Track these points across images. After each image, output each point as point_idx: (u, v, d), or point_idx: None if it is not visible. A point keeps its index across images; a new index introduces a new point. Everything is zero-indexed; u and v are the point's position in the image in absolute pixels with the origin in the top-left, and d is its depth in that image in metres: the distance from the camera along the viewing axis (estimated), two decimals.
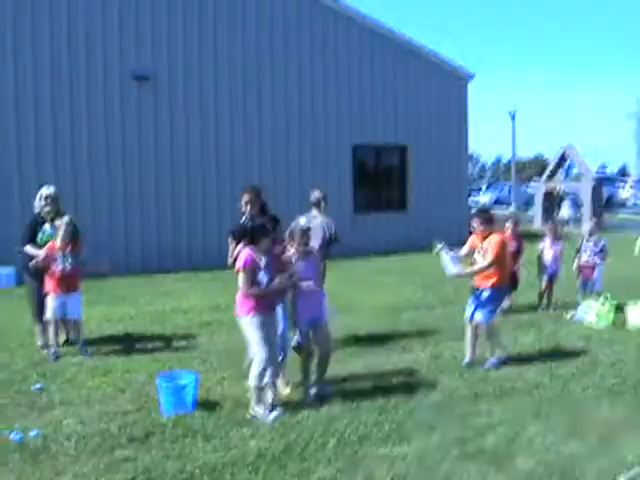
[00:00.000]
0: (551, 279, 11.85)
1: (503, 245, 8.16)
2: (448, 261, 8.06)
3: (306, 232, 7.10)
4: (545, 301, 11.77)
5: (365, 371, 8.18)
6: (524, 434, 6.14)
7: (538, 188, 30.83)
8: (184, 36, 17.91)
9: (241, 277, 6.60)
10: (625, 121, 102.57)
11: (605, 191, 35.67)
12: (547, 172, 30.46)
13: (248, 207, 7.74)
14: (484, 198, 51.33)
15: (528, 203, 42.11)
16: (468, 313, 8.35)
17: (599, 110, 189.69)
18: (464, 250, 8.39)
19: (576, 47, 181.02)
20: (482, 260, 8.10)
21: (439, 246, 8.11)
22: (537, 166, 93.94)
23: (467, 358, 8.31)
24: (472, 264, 8.26)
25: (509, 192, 48.52)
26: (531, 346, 9.18)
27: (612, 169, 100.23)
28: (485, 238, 8.15)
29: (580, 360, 8.39)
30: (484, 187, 60.07)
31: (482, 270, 8.09)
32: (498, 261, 8.04)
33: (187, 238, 17.96)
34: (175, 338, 9.95)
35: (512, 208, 43.14)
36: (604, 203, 37.18)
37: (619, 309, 10.57)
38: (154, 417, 6.69)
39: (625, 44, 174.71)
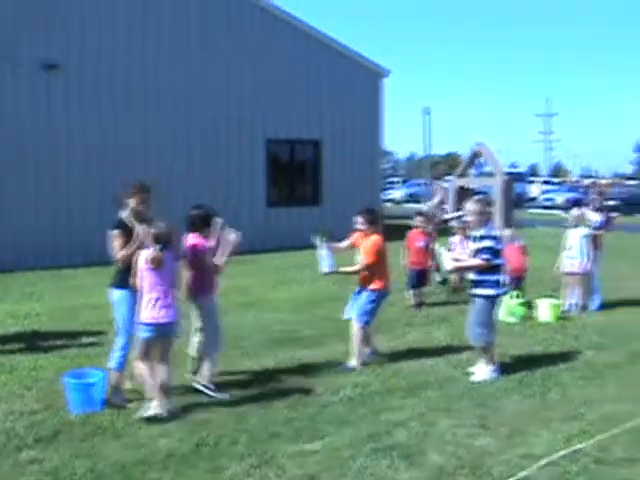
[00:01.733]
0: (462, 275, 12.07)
1: (381, 247, 8.16)
2: (323, 258, 8.07)
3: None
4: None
5: (277, 367, 8.18)
6: (435, 428, 6.22)
7: (451, 185, 31.35)
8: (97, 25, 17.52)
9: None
10: (534, 121, 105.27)
11: (515, 188, 36.54)
12: (459, 169, 30.99)
13: (136, 204, 6.91)
14: (398, 194, 51.98)
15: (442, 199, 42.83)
16: (347, 311, 8.43)
17: (510, 110, 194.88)
18: (344, 243, 8.44)
19: (491, 48, 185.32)
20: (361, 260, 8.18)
21: (318, 242, 8.13)
22: (451, 163, 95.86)
23: (368, 351, 8.41)
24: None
25: (423, 188, 49.23)
26: (443, 340, 9.33)
27: (523, 168, 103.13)
28: (367, 237, 8.20)
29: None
30: (398, 183, 60.82)
31: (356, 272, 8.20)
32: (376, 263, 8.10)
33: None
34: (84, 335, 9.69)
35: (427, 204, 43.91)
36: (516, 200, 38.15)
37: (528, 304, 10.85)
38: (62, 415, 6.51)
39: (534, 45, 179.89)
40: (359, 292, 8.25)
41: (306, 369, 8.05)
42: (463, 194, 29.87)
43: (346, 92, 22.28)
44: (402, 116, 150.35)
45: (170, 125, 18.75)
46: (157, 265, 6.46)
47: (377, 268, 8.13)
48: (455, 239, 12.27)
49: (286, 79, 20.92)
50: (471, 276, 7.71)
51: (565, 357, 8.51)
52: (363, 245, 8.16)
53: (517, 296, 10.79)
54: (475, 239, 7.59)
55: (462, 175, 31.52)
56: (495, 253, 7.50)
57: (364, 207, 8.43)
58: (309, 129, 21.53)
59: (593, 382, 7.56)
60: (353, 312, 8.28)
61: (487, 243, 7.46)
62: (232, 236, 7.12)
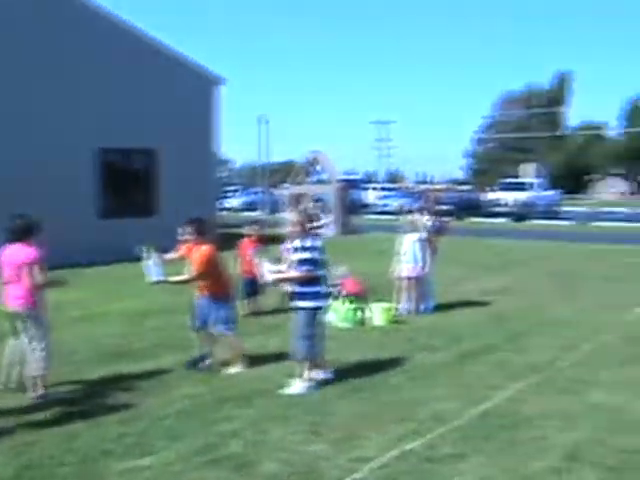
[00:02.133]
0: None
1: (211, 257, 8.13)
2: (150, 268, 7.98)
3: None
4: None
5: (108, 382, 7.91)
6: (269, 436, 6.19)
7: (287, 192, 31.66)
8: None
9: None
10: (368, 128, 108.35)
11: (351, 195, 37.38)
12: (296, 176, 31.37)
13: None
14: (236, 202, 51.89)
15: (278, 207, 43.18)
16: (191, 321, 8.40)
17: (350, 117, 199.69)
18: (173, 255, 8.41)
19: (328, 57, 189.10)
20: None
21: (144, 253, 8.03)
22: (288, 171, 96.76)
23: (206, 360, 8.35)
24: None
25: (261, 196, 49.43)
26: (277, 348, 9.32)
27: (360, 174, 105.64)
28: (195, 248, 8.14)
29: (328, 357, 8.58)
30: (237, 191, 60.72)
31: (185, 282, 8.19)
32: (208, 273, 8.06)
33: None
34: None
35: (262, 212, 44.07)
36: (351, 206, 39.00)
37: (360, 310, 11.05)
38: None
39: (372, 55, 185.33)
40: (203, 301, 8.19)
41: (137, 383, 7.82)
42: (299, 201, 30.34)
43: (181, 100, 21.94)
44: (242, 125, 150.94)
45: None
46: None
47: (213, 277, 8.09)
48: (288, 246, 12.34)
49: (119, 87, 20.35)
50: (291, 288, 7.65)
51: (398, 359, 8.71)
52: (193, 255, 8.09)
53: (350, 301, 10.97)
54: (296, 250, 7.53)
55: (298, 183, 31.90)
56: (316, 264, 7.47)
57: (191, 217, 8.35)
58: (144, 138, 21.01)
59: (424, 383, 7.78)
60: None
61: (307, 254, 7.44)
62: None
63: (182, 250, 8.34)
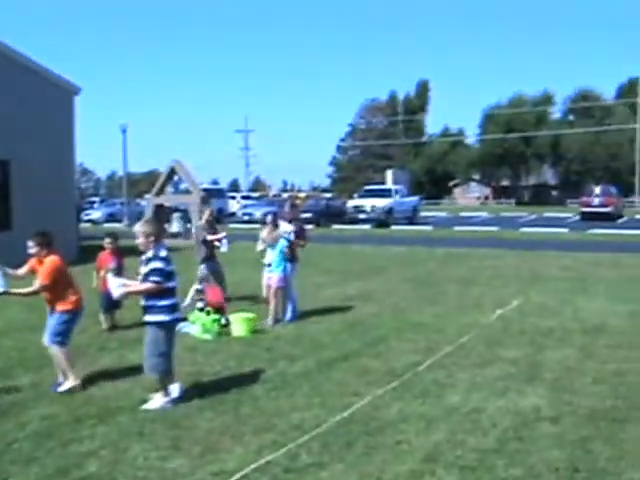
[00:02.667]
0: None
1: (57, 268, 7.96)
2: None
3: None
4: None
5: None
6: (127, 454, 6.06)
7: (148, 203, 31.10)
8: None
9: None
10: (234, 137, 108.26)
11: (215, 204, 37.19)
12: (156, 186, 30.86)
13: None
14: (97, 214, 50.54)
15: (140, 218, 42.41)
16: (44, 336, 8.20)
17: (212, 126, 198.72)
18: (22, 270, 8.24)
19: (189, 66, 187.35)
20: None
21: None
22: (151, 181, 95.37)
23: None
24: None
25: (122, 207, 48.33)
26: (136, 362, 9.10)
27: (224, 184, 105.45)
28: (42, 261, 7.98)
29: (185, 372, 8.51)
30: (98, 203, 59.19)
31: (30, 294, 8.08)
32: (55, 285, 7.91)
33: None
34: None
35: (125, 223, 43.13)
36: (215, 216, 38.62)
37: (220, 320, 10.99)
38: None
39: (234, 66, 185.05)
40: (51, 315, 8.04)
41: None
42: (161, 212, 29.90)
43: (36, 110, 21.20)
44: (103, 134, 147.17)
45: None
46: None
47: (59, 289, 7.95)
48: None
49: None
50: (141, 302, 7.48)
51: (258, 370, 8.72)
52: (40, 268, 7.95)
53: (208, 313, 10.92)
54: (148, 261, 7.37)
55: (159, 193, 31.40)
56: (166, 275, 7.35)
57: (36, 231, 8.20)
58: None
59: (285, 392, 7.82)
60: (46, 336, 8.07)
61: (157, 264, 7.29)
62: None
63: (29, 264, 8.18)
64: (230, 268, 15.20)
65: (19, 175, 20.66)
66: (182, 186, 32.29)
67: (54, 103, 21.83)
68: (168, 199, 31.78)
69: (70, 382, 8.00)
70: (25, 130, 20.86)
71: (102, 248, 11.79)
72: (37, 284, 7.92)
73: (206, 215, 14.03)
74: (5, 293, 7.85)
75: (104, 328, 11.27)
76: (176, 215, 30.79)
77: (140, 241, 7.42)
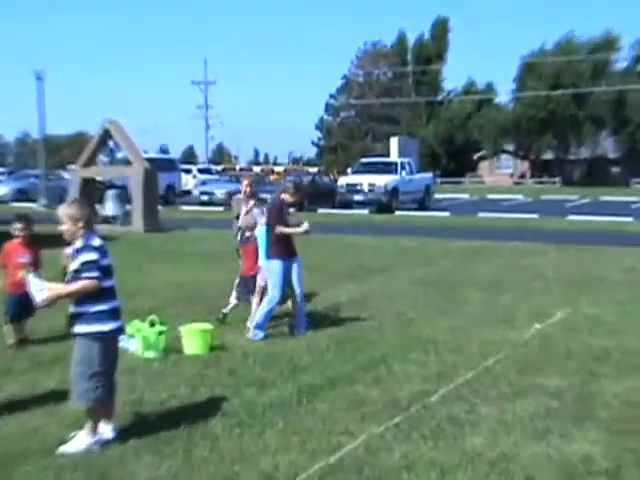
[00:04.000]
0: None
1: None
2: None
3: None
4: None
5: None
6: None
7: (73, 176, 31.01)
8: None
9: None
10: (191, 92, 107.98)
11: (164, 179, 37.17)
12: (85, 155, 30.75)
13: None
14: (2, 190, 50.30)
15: (62, 197, 42.12)
16: None
17: (160, 76, 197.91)
18: None
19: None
20: None
21: None
22: (77, 147, 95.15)
23: None
24: None
25: (37, 181, 48.10)
26: (55, 389, 9.04)
27: (176, 152, 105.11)
28: None
29: (120, 400, 8.44)
30: (3, 175, 58.99)
31: None
32: None
33: None
34: None
35: (40, 203, 42.95)
36: (163, 194, 38.76)
37: (167, 333, 10.96)
38: None
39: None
40: None
41: None
42: (90, 189, 29.81)
43: None
44: (11, 82, 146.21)
45: None
46: None
47: None
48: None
49: None
50: (70, 308, 7.38)
51: (218, 399, 8.70)
52: None
53: (152, 323, 10.88)
54: (77, 253, 7.28)
55: (89, 163, 31.32)
56: (103, 271, 7.29)
57: None
58: None
59: (252, 430, 7.78)
60: None
61: (89, 256, 7.21)
62: None
63: None
64: (180, 263, 15.15)
65: None
66: (119, 155, 32.28)
67: None
68: (100, 171, 31.84)
69: None
70: None
71: (9, 236, 11.68)
72: None
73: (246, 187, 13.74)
74: None
75: (10, 343, 11.19)
76: (111, 193, 30.72)
77: (65, 227, 7.35)
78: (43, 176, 46.18)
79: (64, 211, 7.37)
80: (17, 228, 11.40)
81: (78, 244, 7.31)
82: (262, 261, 12.21)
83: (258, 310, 11.90)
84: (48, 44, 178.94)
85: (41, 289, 7.42)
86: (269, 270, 11.85)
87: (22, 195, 49.08)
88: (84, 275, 7.20)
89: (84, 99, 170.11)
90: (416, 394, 8.90)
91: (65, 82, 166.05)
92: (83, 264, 7.22)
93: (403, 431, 7.73)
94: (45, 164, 47.04)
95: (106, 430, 7.52)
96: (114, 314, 7.44)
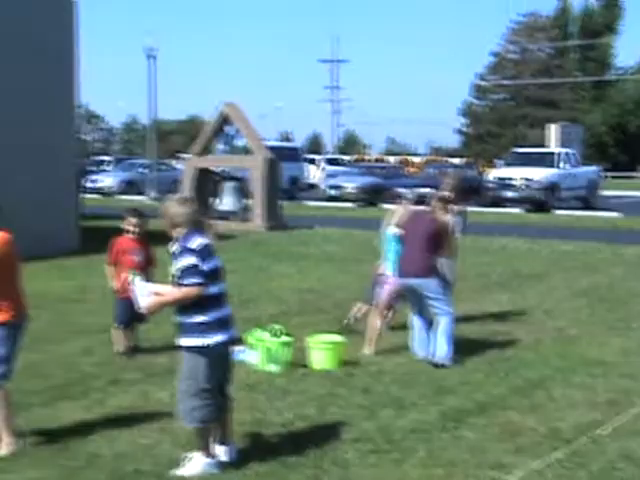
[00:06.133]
0: None
1: (5, 252, 7.93)
2: None
3: None
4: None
5: None
6: None
7: (187, 166, 31.40)
8: None
9: None
10: (318, 72, 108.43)
11: (286, 171, 37.38)
12: (200, 142, 31.12)
13: None
14: (109, 180, 51.09)
15: (172, 190, 42.75)
16: None
17: (282, 55, 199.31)
18: None
19: None
20: None
21: None
22: (190, 134, 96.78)
23: None
24: None
25: (147, 172, 48.81)
26: (169, 404, 9.20)
27: (300, 141, 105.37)
28: None
29: (239, 420, 8.55)
30: (111, 164, 59.95)
31: None
32: (1, 275, 7.90)
33: None
34: None
35: (149, 196, 43.73)
36: (287, 188, 38.99)
37: (293, 345, 11.06)
38: None
39: None
40: None
41: None
42: (205, 180, 30.17)
43: (17, 22, 21.48)
44: (119, 63, 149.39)
45: None
46: None
47: (1, 284, 7.90)
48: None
49: None
50: (177, 317, 7.55)
51: (349, 422, 8.72)
52: None
53: (279, 333, 10.94)
54: (176, 256, 7.41)
55: (204, 152, 31.61)
56: (205, 275, 7.34)
57: None
58: None
59: (389, 458, 7.79)
60: None
61: (187, 261, 7.30)
62: None
63: None
64: (305, 266, 15.24)
65: None
66: (238, 143, 32.45)
67: (41, 10, 22.07)
68: (217, 161, 32.12)
69: (4, 445, 7.95)
70: None
71: (120, 231, 11.92)
72: None
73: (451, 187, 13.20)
74: None
75: (118, 350, 11.44)
76: (229, 185, 30.91)
77: (167, 225, 7.48)
78: (153, 166, 46.80)
79: (167, 209, 7.49)
80: (131, 223, 11.56)
81: (176, 247, 7.41)
82: (386, 270, 12.04)
83: (439, 336, 11.52)
84: (159, 24, 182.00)
85: (146, 294, 7.61)
86: (433, 288, 11.53)
87: (130, 187, 50.03)
88: (185, 282, 7.30)
89: (196, 80, 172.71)
90: (582, 425, 8.76)
91: (175, 63, 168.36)
92: (182, 270, 7.31)
93: (567, 468, 7.62)
94: (155, 152, 47.64)
95: (221, 452, 7.64)
96: (221, 324, 7.49)
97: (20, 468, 7.57)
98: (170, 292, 7.55)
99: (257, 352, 10.85)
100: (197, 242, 7.36)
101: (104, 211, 31.79)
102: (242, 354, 10.84)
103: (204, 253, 7.36)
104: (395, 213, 12.16)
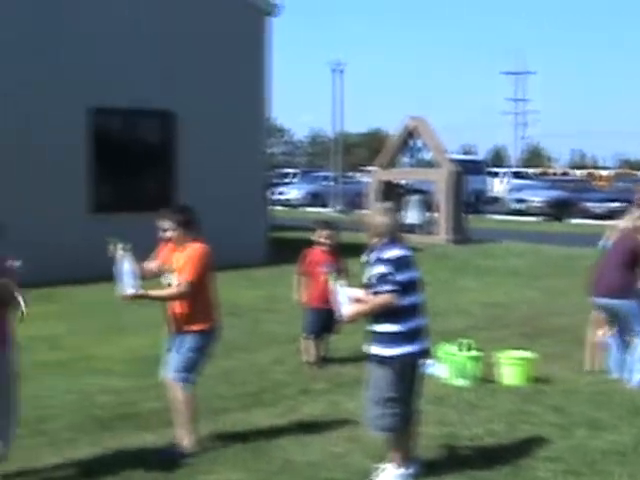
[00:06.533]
0: None
1: (205, 261, 8.11)
2: (125, 274, 7.92)
3: None
4: None
5: (99, 461, 7.99)
6: None
7: (372, 179, 31.52)
8: None
9: None
10: (500, 84, 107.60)
11: (470, 184, 37.15)
12: (385, 155, 31.23)
13: None
14: (294, 193, 51.67)
15: (355, 202, 42.95)
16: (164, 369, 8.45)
17: (463, 72, 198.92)
18: (152, 263, 8.37)
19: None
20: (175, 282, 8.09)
21: (119, 251, 7.97)
22: (373, 146, 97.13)
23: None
24: None
25: (332, 184, 49.19)
26: (357, 414, 9.22)
27: (483, 154, 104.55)
28: (180, 249, 8.14)
29: (427, 434, 8.53)
30: (296, 176, 60.49)
31: (173, 297, 8.13)
32: (200, 285, 8.04)
33: None
34: None
35: (334, 208, 44.06)
36: (471, 201, 38.76)
37: (482, 360, 11.00)
38: None
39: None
40: (176, 339, 8.22)
41: (143, 465, 7.88)
42: (390, 193, 30.25)
43: (212, 38, 21.99)
44: (303, 76, 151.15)
45: None
46: None
47: (201, 295, 8.10)
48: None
49: (118, 22, 20.58)
50: (369, 325, 7.55)
51: (541, 440, 8.58)
52: (178, 258, 8.10)
53: (468, 347, 10.88)
54: (372, 265, 7.43)
55: (389, 164, 31.69)
56: (399, 285, 7.31)
57: (174, 206, 8.62)
58: (155, 93, 21.18)
59: (584, 479, 7.62)
60: (168, 368, 8.27)
61: (379, 269, 7.31)
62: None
63: (161, 255, 8.37)
64: (491, 280, 15.13)
65: (188, 133, 21.48)
66: (423, 156, 32.32)
67: (239, 29, 22.52)
68: (402, 174, 32.14)
69: (185, 441, 8.14)
70: (194, 68, 21.63)
71: (308, 243, 12.04)
72: (180, 283, 8.01)
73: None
74: (137, 296, 7.99)
75: (308, 361, 11.57)
76: (414, 198, 30.91)
77: (374, 235, 7.50)
78: (338, 179, 47.14)
79: (371, 218, 7.53)
80: (322, 235, 11.67)
81: (373, 256, 7.44)
82: None
83: (636, 361, 11.09)
84: (346, 39, 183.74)
85: (347, 301, 7.64)
86: (629, 309, 11.21)
87: (314, 199, 50.60)
88: (377, 289, 7.32)
89: (379, 94, 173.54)
90: None
91: (358, 76, 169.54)
92: (375, 278, 7.34)
93: None
94: (340, 165, 47.99)
95: (411, 464, 7.61)
96: (414, 335, 7.45)
97: (219, 469, 7.77)
98: (369, 300, 7.56)
99: (446, 366, 10.84)
100: (392, 253, 7.35)
101: (290, 222, 32.18)
102: (431, 367, 10.82)
103: (399, 264, 7.35)
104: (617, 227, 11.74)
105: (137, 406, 9.77)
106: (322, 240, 11.67)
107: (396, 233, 7.54)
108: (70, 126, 19.92)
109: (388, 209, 7.82)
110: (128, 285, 7.85)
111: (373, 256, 7.42)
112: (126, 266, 7.90)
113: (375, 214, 7.60)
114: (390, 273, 7.26)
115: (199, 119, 21.60)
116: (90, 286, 17.49)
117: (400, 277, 7.32)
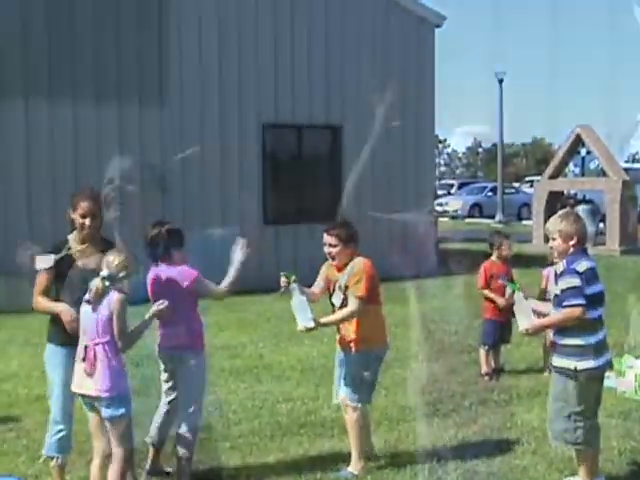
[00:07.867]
0: None
1: (373, 278, 8.03)
2: (300, 307, 7.92)
3: None
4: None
5: (284, 466, 8.14)
6: None
7: (538, 190, 31.21)
8: None
9: None
10: None
11: None
12: (552, 165, 30.90)
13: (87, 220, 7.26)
14: (456, 204, 51.36)
15: (521, 213, 42.55)
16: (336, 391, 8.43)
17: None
18: (317, 286, 8.37)
19: None
20: (344, 299, 8.01)
21: (292, 284, 7.93)
22: (535, 156, 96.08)
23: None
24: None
25: (492, 195, 48.85)
26: (536, 426, 9.18)
27: None
28: (344, 265, 8.07)
29: (619, 446, 8.48)
30: (455, 187, 60.25)
31: (346, 318, 8.01)
32: (369, 300, 7.96)
33: None
34: None
35: (496, 219, 43.75)
36: None
37: None
38: None
39: None
40: (345, 355, 8.19)
41: (327, 468, 8.02)
42: (556, 203, 29.90)
43: (379, 50, 22.13)
44: (459, 85, 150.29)
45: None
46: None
47: (371, 311, 8.05)
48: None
49: (291, 40, 21.01)
50: (551, 337, 7.52)
51: None
52: (346, 274, 8.02)
53: None
54: (560, 277, 7.32)
55: (556, 175, 31.35)
56: (588, 299, 7.19)
57: (336, 221, 8.53)
58: (325, 109, 21.46)
59: None
60: (341, 389, 8.22)
61: (570, 282, 7.19)
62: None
63: (323, 273, 8.36)
64: None
65: (355, 146, 21.60)
66: (591, 165, 31.90)
67: (406, 41, 22.64)
68: (570, 184, 31.66)
69: (353, 466, 8.03)
70: (361, 82, 21.83)
71: (486, 256, 12.04)
72: (352, 302, 7.96)
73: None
74: (316, 326, 7.97)
75: (484, 372, 11.53)
76: (582, 208, 30.47)
77: (555, 244, 7.43)
78: (500, 189, 46.86)
79: (555, 226, 7.44)
80: (502, 246, 11.68)
81: (560, 267, 7.36)
82: None
83: None
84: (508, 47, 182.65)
85: (528, 314, 7.58)
86: None
87: (476, 210, 50.45)
88: (566, 303, 7.22)
89: (540, 103, 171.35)
90: None
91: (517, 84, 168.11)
92: (564, 290, 7.23)
93: None
94: (501, 175, 47.80)
95: None
96: (596, 350, 7.34)
97: (397, 478, 7.81)
98: (549, 317, 7.56)
99: (628, 379, 10.66)
100: (583, 265, 7.26)
101: (449, 235, 32.19)
102: (609, 380, 10.67)
103: (588, 276, 7.26)
104: None
105: (316, 414, 9.87)
106: (499, 251, 11.68)
107: (583, 242, 7.46)
108: (246, 141, 20.46)
109: (573, 216, 7.71)
110: (304, 320, 7.91)
111: (561, 266, 7.34)
112: (298, 299, 7.95)
113: (562, 221, 7.50)
114: (580, 286, 7.18)
115: (364, 134, 21.55)
116: (264, 295, 17.66)
117: (589, 290, 7.23)
